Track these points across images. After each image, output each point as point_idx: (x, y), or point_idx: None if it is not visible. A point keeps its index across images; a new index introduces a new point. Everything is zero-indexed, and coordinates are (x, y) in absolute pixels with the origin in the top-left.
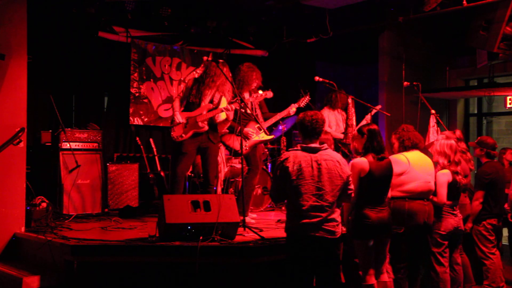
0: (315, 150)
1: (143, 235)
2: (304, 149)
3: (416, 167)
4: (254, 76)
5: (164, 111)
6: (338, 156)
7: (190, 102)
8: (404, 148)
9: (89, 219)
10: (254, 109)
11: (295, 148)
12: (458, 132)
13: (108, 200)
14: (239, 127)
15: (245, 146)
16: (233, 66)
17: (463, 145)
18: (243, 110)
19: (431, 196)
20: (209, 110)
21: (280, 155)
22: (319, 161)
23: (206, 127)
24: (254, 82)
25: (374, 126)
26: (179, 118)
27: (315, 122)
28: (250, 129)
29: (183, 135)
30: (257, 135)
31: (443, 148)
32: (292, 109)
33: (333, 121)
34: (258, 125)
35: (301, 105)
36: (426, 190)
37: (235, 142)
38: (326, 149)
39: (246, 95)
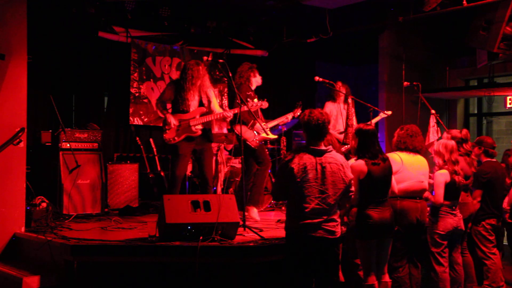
0: (320, 153)
1: (143, 235)
2: (309, 151)
3: (409, 167)
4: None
5: None
6: (342, 159)
7: (176, 107)
8: (397, 149)
9: (89, 219)
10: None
11: (300, 149)
12: (464, 132)
13: (108, 200)
14: (252, 121)
15: (256, 139)
16: (233, 66)
17: (468, 146)
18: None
19: (427, 195)
20: (202, 114)
21: (285, 155)
22: (324, 164)
23: (200, 132)
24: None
25: (369, 127)
26: (173, 120)
27: (321, 123)
28: (259, 125)
29: (176, 138)
30: (261, 132)
31: (438, 148)
32: (288, 117)
33: (334, 114)
34: (264, 123)
35: (295, 115)
36: (419, 189)
37: (246, 133)
38: (331, 151)
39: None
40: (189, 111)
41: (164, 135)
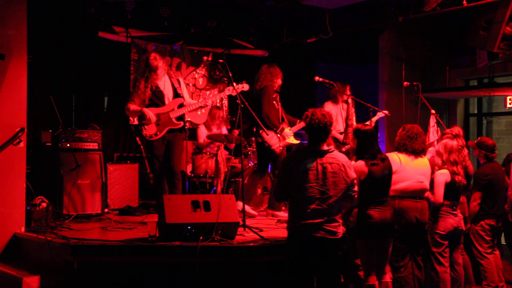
0: (321, 153)
1: (143, 235)
2: (311, 151)
3: (407, 167)
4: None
5: None
6: (344, 159)
7: (149, 101)
8: (397, 150)
9: (89, 219)
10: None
11: (302, 149)
12: (456, 129)
13: (108, 200)
14: (280, 127)
15: (280, 146)
16: (233, 66)
17: (461, 141)
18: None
19: (427, 194)
20: (180, 106)
21: (287, 155)
22: (325, 164)
23: (182, 123)
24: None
25: (367, 127)
26: (152, 116)
27: (323, 124)
28: (287, 131)
29: (158, 133)
30: (288, 138)
31: (438, 148)
32: None
33: (333, 115)
34: (290, 128)
35: None
36: (418, 189)
37: (272, 139)
38: (332, 151)
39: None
40: (165, 104)
41: (144, 132)
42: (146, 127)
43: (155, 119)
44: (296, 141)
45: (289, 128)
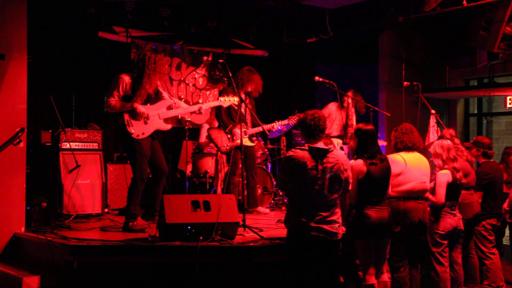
0: (321, 152)
1: (143, 235)
2: (309, 150)
3: (412, 168)
4: (255, 80)
5: None
6: (343, 158)
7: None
8: (396, 149)
9: (89, 219)
10: (245, 111)
11: (303, 148)
12: (448, 132)
13: (108, 200)
14: (230, 126)
15: (227, 145)
16: (233, 66)
17: (457, 140)
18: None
19: (428, 195)
20: (169, 108)
21: (288, 152)
22: (324, 164)
23: (171, 126)
24: (251, 85)
25: (368, 127)
26: (144, 112)
27: (317, 120)
28: (237, 131)
29: (145, 132)
30: (238, 138)
31: (435, 149)
32: (276, 125)
33: (332, 118)
34: (244, 129)
35: (290, 123)
36: (422, 190)
37: (221, 138)
38: (332, 150)
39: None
40: (151, 104)
41: (129, 128)
42: (132, 123)
43: (144, 116)
44: (251, 144)
45: (245, 129)
